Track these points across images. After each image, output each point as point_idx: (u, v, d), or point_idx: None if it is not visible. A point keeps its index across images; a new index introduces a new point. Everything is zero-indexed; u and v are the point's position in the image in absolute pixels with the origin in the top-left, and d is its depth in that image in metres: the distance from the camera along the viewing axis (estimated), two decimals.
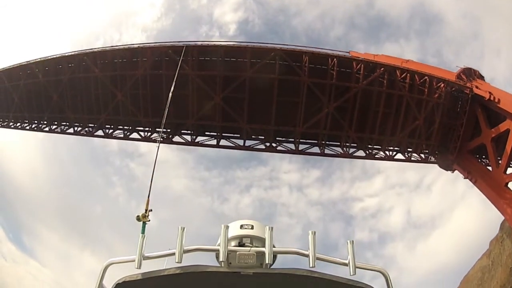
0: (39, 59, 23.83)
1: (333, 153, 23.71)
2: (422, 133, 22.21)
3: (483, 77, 22.69)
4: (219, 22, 55.40)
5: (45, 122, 25.71)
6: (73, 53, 23.24)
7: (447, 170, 23.52)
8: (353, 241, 2.97)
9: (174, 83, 11.46)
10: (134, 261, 2.85)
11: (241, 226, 3.20)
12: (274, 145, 23.38)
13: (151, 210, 3.51)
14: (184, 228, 2.94)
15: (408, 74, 21.64)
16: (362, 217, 54.95)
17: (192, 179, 61.95)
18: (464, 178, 22.22)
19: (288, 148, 23.66)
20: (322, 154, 23.55)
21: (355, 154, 23.67)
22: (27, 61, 24.14)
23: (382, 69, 21.45)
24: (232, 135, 23.70)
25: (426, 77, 21.62)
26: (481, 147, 21.73)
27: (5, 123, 26.91)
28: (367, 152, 23.24)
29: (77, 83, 23.17)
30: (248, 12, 54.50)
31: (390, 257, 50.79)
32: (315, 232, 2.97)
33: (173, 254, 2.86)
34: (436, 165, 23.69)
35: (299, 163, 63.53)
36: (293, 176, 59.43)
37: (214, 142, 23.71)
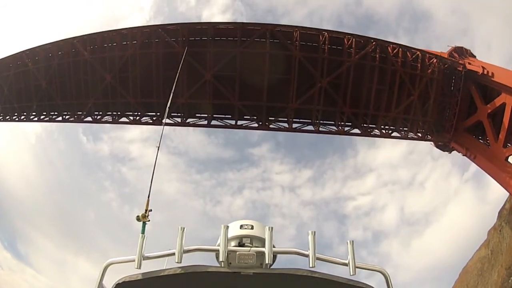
0: (28, 49, 23.58)
1: (327, 130, 23.56)
2: (418, 110, 22.14)
3: (474, 56, 22.80)
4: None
5: (34, 113, 25.25)
6: (62, 39, 22.84)
7: (444, 150, 23.73)
8: (353, 241, 2.97)
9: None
10: (134, 261, 2.85)
11: (241, 226, 3.20)
12: (266, 124, 23.16)
13: (151, 210, 3.50)
14: (184, 228, 2.93)
15: (400, 49, 21.57)
16: (355, 215, 55.53)
17: (184, 182, 62.23)
18: (463, 155, 22.33)
19: (281, 126, 23.47)
20: (317, 131, 23.34)
21: (350, 132, 23.53)
22: (17, 52, 23.87)
23: (373, 43, 21.32)
24: (223, 116, 23.43)
25: (418, 52, 21.66)
26: (477, 127, 21.86)
27: None
28: (363, 129, 23.04)
29: (66, 68, 22.80)
30: (236, 14, 53.88)
31: (385, 255, 51.56)
32: (315, 232, 2.97)
33: (173, 254, 2.86)
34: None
35: (291, 164, 64.32)
36: (285, 176, 59.99)
37: (205, 123, 23.57)
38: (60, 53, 22.80)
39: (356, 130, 23.39)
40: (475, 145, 21.86)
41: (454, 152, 23.15)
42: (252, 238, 3.12)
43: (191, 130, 55.76)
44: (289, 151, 62.45)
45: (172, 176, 55.51)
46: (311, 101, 22.05)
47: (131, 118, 23.71)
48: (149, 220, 3.34)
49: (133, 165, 50.97)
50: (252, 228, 3.18)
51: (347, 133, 23.55)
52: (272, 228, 3.00)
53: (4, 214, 45.26)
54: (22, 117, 25.68)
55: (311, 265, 2.87)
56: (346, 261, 2.91)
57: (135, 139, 53.44)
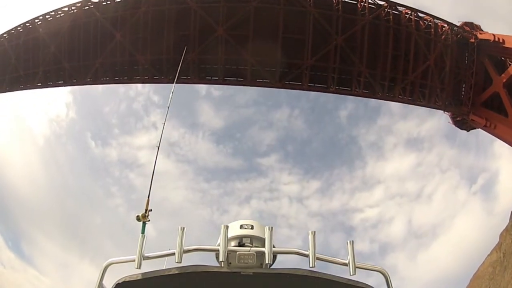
0: (41, 14, 23.42)
1: (345, 90, 23.22)
2: (434, 76, 22.02)
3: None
4: None
5: (39, 83, 25.16)
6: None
7: (462, 127, 24.06)
8: (352, 241, 2.95)
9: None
10: (134, 261, 2.85)
11: (241, 226, 3.19)
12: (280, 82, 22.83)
13: (151, 210, 3.47)
14: (184, 228, 2.93)
15: (413, 13, 21.61)
16: (362, 227, 55.00)
17: (191, 191, 61.95)
18: (483, 126, 22.41)
19: (297, 84, 23.08)
20: (333, 91, 23.04)
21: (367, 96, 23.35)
22: (28, 20, 23.83)
23: (386, 4, 21.30)
24: (235, 79, 23.13)
25: (430, 18, 21.82)
26: (494, 101, 21.93)
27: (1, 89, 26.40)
28: (380, 92, 22.63)
29: (76, 30, 22.58)
30: None
31: (391, 267, 51.38)
32: (315, 232, 2.95)
33: (173, 254, 2.86)
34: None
35: (299, 175, 63.83)
36: (293, 187, 59.40)
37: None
38: (71, 12, 22.49)
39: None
40: (493, 117, 21.89)
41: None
42: (252, 238, 3.11)
43: (200, 138, 55.90)
44: (298, 162, 62.46)
45: (180, 184, 55.91)
46: (327, 59, 21.73)
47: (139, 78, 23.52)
48: (149, 220, 3.33)
49: (141, 172, 51.09)
50: (252, 228, 3.17)
51: (365, 95, 23.16)
52: (272, 228, 2.98)
53: (10, 214, 46.03)
54: (28, 84, 25.50)
55: (311, 265, 2.86)
56: (346, 261, 2.90)
57: (143, 146, 53.70)
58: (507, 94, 20.78)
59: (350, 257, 2.89)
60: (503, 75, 21.11)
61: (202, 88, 51.34)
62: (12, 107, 42.59)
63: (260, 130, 63.10)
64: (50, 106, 52.98)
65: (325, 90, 23.27)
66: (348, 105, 56.04)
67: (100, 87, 43.29)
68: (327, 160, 59.94)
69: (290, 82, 22.89)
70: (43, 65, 24.03)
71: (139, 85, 47.28)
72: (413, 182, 57.19)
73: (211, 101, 57.88)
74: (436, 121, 49.38)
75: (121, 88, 52.16)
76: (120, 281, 2.89)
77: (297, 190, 59.37)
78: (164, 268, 2.97)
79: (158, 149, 4.10)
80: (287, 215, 57.56)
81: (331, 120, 59.72)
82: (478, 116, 22.47)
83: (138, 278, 2.89)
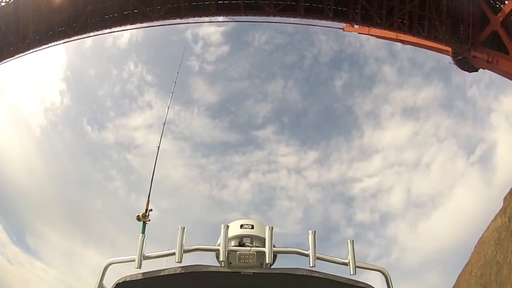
0: None
1: (343, 18, 22.95)
2: (432, 8, 21.75)
3: None
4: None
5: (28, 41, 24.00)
6: None
7: (464, 68, 24.27)
8: (353, 241, 2.94)
9: None
10: (134, 261, 2.85)
11: (241, 226, 3.17)
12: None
13: (151, 210, 3.41)
14: (184, 228, 2.90)
15: None
16: (362, 197, 54.27)
17: (190, 167, 60.53)
18: (485, 61, 22.36)
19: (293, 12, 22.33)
20: (330, 18, 22.65)
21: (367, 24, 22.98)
22: None
23: None
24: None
25: None
26: (493, 41, 21.99)
27: None
28: (378, 20, 22.26)
29: None
30: None
31: (392, 237, 51.74)
32: (315, 232, 2.94)
33: (173, 254, 2.85)
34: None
35: (296, 146, 62.63)
36: (291, 158, 58.09)
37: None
38: None
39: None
40: (494, 54, 21.98)
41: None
42: (252, 237, 3.10)
43: (196, 115, 54.36)
44: (294, 133, 61.39)
45: (178, 162, 54.77)
46: None
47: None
48: (149, 220, 3.29)
49: (138, 152, 49.84)
50: (252, 227, 3.16)
51: (364, 23, 23.00)
52: (272, 227, 2.97)
53: (12, 209, 45.28)
54: (19, 50, 24.39)
55: (311, 265, 2.87)
56: (346, 261, 2.90)
57: (139, 126, 52.11)
58: (505, 32, 21.10)
59: (350, 256, 2.89)
60: (499, 14, 21.43)
61: (195, 64, 50.26)
62: (6, 99, 41.59)
63: (255, 103, 62.39)
64: (44, 94, 51.99)
65: (323, 17, 22.57)
66: (343, 75, 55.25)
67: (92, 72, 42.06)
68: (324, 130, 59.91)
69: (285, 12, 22.02)
70: (33, 25, 23.10)
71: (132, 65, 46.18)
72: (410, 151, 57.47)
73: (204, 76, 56.76)
74: (432, 89, 48.76)
75: (113, 70, 51.35)
76: (120, 281, 2.89)
77: (295, 162, 59.82)
78: (164, 268, 2.96)
79: (158, 149, 4.00)
80: (286, 187, 58.34)
81: (326, 90, 59.06)
82: (479, 52, 22.51)
83: (138, 278, 2.89)
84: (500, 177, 40.23)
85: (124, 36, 44.57)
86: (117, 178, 58.84)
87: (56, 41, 24.10)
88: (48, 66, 44.98)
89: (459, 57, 23.61)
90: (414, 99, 56.32)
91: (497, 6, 21.87)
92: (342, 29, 26.13)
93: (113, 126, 56.48)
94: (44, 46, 24.58)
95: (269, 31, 48.77)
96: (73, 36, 23.62)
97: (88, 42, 37.97)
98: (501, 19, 21.31)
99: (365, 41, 43.43)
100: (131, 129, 57.96)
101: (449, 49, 23.62)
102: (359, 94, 61.51)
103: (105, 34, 23.55)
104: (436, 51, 24.54)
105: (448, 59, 24.50)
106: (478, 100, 46.54)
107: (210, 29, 48.89)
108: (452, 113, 52.91)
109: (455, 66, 24.12)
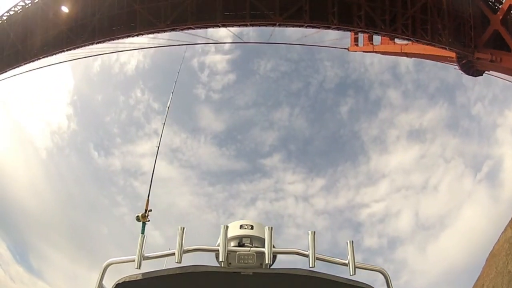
0: None
1: (347, 26, 22.86)
2: (434, 12, 21.97)
3: None
4: (214, 36, 51.01)
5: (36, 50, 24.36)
6: None
7: (469, 73, 24.26)
8: (352, 241, 2.93)
9: None
10: (134, 261, 2.86)
11: (241, 226, 3.18)
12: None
13: (151, 210, 3.42)
14: (183, 228, 2.90)
15: None
16: (370, 223, 54.27)
17: (196, 196, 60.93)
18: (489, 61, 22.36)
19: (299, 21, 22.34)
20: (335, 27, 22.58)
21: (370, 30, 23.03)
22: None
23: None
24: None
25: None
26: (495, 42, 22.12)
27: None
28: (382, 26, 22.29)
29: None
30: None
31: (401, 261, 51.74)
32: (314, 232, 2.92)
33: (173, 254, 2.85)
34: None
35: (303, 173, 63.17)
36: (298, 186, 58.30)
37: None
38: None
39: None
40: (497, 52, 22.05)
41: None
42: (252, 238, 3.11)
43: (202, 143, 55.79)
44: (301, 161, 61.52)
45: (185, 190, 55.42)
46: None
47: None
48: (148, 220, 3.29)
49: (145, 179, 49.88)
50: (252, 228, 3.17)
51: (368, 29, 22.80)
52: (272, 228, 2.96)
53: (17, 228, 45.99)
54: (25, 58, 24.69)
55: (311, 265, 2.85)
56: (346, 261, 2.89)
57: (146, 153, 52.93)
58: (506, 29, 21.39)
59: (350, 257, 2.88)
60: (498, 13, 21.76)
61: (201, 92, 51.73)
62: (12, 119, 42.40)
63: (261, 131, 63.16)
64: (51, 117, 53.50)
65: (327, 26, 22.66)
66: (348, 100, 55.52)
67: (99, 98, 42.83)
68: (331, 157, 60.24)
69: (291, 21, 22.20)
70: (41, 33, 23.48)
71: (139, 92, 47.36)
72: (417, 174, 57.20)
73: (210, 105, 57.61)
74: (437, 110, 49.30)
75: (120, 97, 53.14)
76: (120, 281, 2.91)
77: (302, 189, 59.81)
78: (164, 268, 2.98)
79: (158, 149, 4.02)
80: (294, 214, 58.43)
81: (332, 116, 59.31)
82: (482, 53, 22.62)
83: (138, 278, 2.90)
84: (508, 192, 39.98)
85: (131, 63, 45.34)
86: (123, 204, 59.09)
87: (63, 49, 24.21)
88: (55, 90, 45.84)
89: (463, 61, 23.59)
90: (419, 121, 56.40)
91: (496, 7, 22.28)
92: (347, 49, 26.41)
93: (120, 152, 57.39)
94: (51, 53, 24.78)
95: (274, 59, 49.70)
96: (80, 44, 23.70)
97: (95, 67, 38.73)
98: (500, 17, 21.60)
99: (369, 66, 43.90)
100: (137, 156, 58.79)
101: (453, 55, 23.59)
102: (365, 119, 61.77)
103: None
104: (441, 60, 24.55)
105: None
106: (483, 117, 46.64)
107: (216, 57, 49.85)
108: (458, 132, 52.93)
109: (461, 72, 24.16)
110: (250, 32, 30.41)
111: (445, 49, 23.15)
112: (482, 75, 23.88)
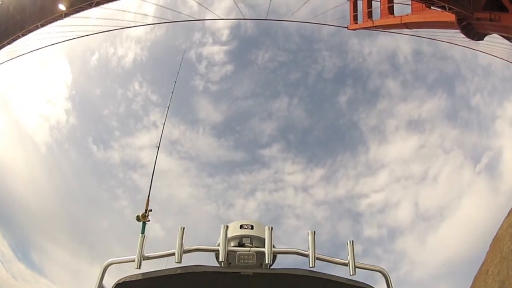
0: None
1: None
2: None
3: None
4: (211, 28, 50.32)
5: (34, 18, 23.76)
6: None
7: (469, 36, 23.53)
8: (352, 241, 2.92)
9: None
10: (134, 261, 2.84)
11: (241, 226, 3.15)
12: None
13: (151, 210, 3.39)
14: (183, 228, 2.89)
15: None
16: (369, 213, 53.99)
17: (196, 187, 60.66)
18: (489, 19, 21.98)
19: None
20: None
21: None
22: None
23: None
24: None
25: None
26: (492, 6, 21.47)
27: None
28: None
29: None
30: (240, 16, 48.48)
31: (401, 252, 51.61)
32: (314, 232, 2.92)
33: (173, 254, 2.84)
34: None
35: (302, 164, 63.02)
36: (297, 176, 58.00)
37: None
38: None
39: None
40: (496, 13, 21.65)
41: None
42: (252, 238, 3.08)
43: (201, 134, 55.62)
44: (300, 151, 61.36)
45: (184, 181, 55.18)
46: None
47: None
48: (149, 220, 3.27)
49: (144, 172, 49.68)
50: (252, 228, 3.13)
51: None
52: (272, 228, 2.94)
53: (18, 225, 45.87)
54: (25, 27, 23.98)
55: (311, 265, 2.84)
56: (346, 261, 2.87)
57: (145, 146, 52.44)
58: None
59: (350, 257, 2.86)
60: None
61: (199, 84, 51.96)
62: (11, 114, 42.35)
63: (260, 121, 62.92)
64: (49, 112, 53.46)
65: None
66: (347, 90, 55.31)
67: (97, 91, 42.80)
68: (330, 147, 60.14)
69: None
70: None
71: (137, 85, 47.40)
72: (417, 164, 57.29)
73: (208, 96, 57.50)
74: (436, 100, 49.40)
75: (118, 90, 53.13)
76: (120, 281, 2.91)
77: (301, 179, 59.67)
78: (164, 268, 2.97)
79: (158, 149, 3.98)
80: (293, 205, 58.37)
81: (330, 106, 59.22)
82: (481, 14, 22.17)
83: (138, 278, 2.90)
84: (507, 183, 40.10)
85: (129, 56, 45.25)
86: (123, 197, 59.03)
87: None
88: (53, 85, 45.85)
89: (463, 23, 23.37)
90: (418, 111, 56.27)
91: None
92: (346, 27, 25.99)
93: (119, 145, 57.30)
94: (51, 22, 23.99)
95: (272, 49, 49.84)
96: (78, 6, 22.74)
97: (92, 61, 38.66)
98: None
99: (367, 56, 43.92)
100: (136, 149, 58.69)
101: (453, 18, 23.28)
102: (364, 109, 61.58)
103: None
104: (441, 27, 23.93)
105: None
106: (482, 108, 46.58)
107: (214, 48, 49.90)
108: (457, 123, 52.71)
109: (462, 36, 23.64)
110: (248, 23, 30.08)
111: (445, 8, 23.00)
112: (482, 39, 23.59)
